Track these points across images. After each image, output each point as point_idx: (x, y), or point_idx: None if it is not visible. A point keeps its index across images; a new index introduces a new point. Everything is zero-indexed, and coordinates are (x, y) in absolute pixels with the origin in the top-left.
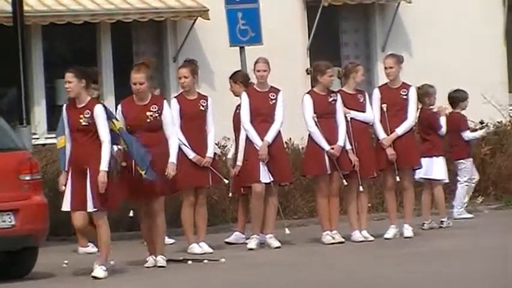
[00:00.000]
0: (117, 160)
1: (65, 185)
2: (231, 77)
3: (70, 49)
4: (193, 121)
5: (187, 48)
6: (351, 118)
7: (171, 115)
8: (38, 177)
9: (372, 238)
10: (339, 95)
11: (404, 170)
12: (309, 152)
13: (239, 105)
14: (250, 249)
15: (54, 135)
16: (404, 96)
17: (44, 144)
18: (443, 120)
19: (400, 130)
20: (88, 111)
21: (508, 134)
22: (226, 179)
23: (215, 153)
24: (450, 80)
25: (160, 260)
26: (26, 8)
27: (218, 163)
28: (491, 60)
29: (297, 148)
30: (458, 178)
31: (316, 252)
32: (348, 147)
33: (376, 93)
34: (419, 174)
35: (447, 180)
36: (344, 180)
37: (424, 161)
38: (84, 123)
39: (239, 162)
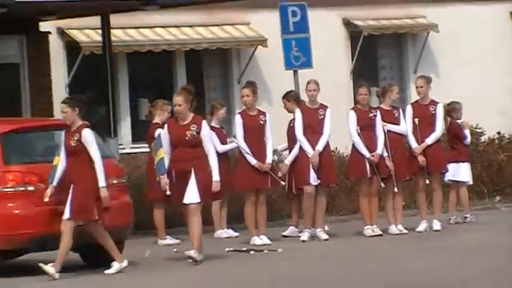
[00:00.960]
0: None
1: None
2: (284, 97)
3: (150, 73)
4: (254, 133)
5: (249, 71)
6: (388, 130)
7: (209, 134)
8: (124, 180)
9: (405, 231)
10: (378, 111)
11: (433, 174)
12: (352, 158)
13: (292, 120)
14: (303, 241)
15: (137, 146)
16: (433, 112)
17: (128, 153)
18: (467, 132)
19: (429, 140)
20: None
21: None
22: (283, 181)
23: (273, 160)
24: (473, 97)
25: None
26: (113, 38)
27: (275, 168)
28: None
29: (342, 156)
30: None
31: (360, 243)
32: (385, 154)
33: (409, 109)
34: (447, 177)
35: (471, 182)
36: (382, 183)
37: (452, 165)
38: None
39: (287, 162)
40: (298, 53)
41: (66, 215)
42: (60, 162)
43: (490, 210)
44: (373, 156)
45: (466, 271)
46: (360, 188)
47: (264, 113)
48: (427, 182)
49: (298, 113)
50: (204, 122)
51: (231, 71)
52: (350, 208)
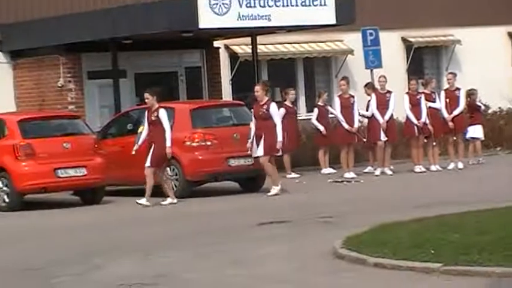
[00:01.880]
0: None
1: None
2: (365, 86)
3: (280, 72)
4: (347, 108)
5: (342, 70)
6: (429, 106)
7: (277, 112)
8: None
9: (440, 169)
10: (422, 95)
11: (458, 133)
12: (406, 124)
13: (369, 100)
14: (376, 175)
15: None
16: (458, 94)
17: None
18: (481, 106)
19: (455, 112)
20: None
21: None
22: (364, 138)
23: (358, 126)
24: (483, 86)
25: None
26: (258, 50)
27: (360, 130)
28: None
29: (400, 122)
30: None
31: (411, 177)
32: (427, 121)
33: (443, 93)
34: (467, 135)
35: (483, 138)
36: (425, 139)
37: (470, 128)
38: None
39: (357, 124)
40: (373, 58)
41: (148, 163)
42: (144, 130)
43: (494, 155)
44: (419, 122)
45: (478, 192)
46: (412, 143)
47: (353, 96)
48: (454, 138)
49: (373, 96)
50: (273, 104)
51: (331, 71)
52: (405, 155)
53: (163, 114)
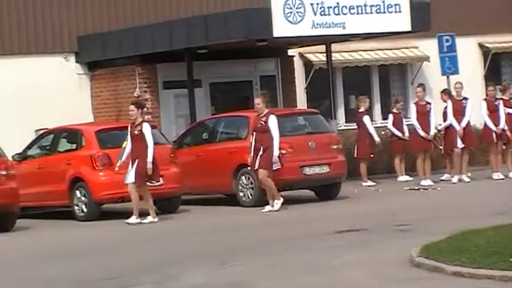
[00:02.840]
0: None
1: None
2: (441, 92)
3: (355, 79)
4: (423, 115)
5: (418, 77)
6: (508, 112)
7: (275, 124)
8: (340, 146)
9: None
10: (500, 101)
11: None
12: (484, 130)
13: (445, 107)
14: (454, 183)
15: (348, 125)
16: None
17: (343, 129)
18: None
19: None
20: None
21: None
22: (440, 145)
23: (434, 133)
24: None
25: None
26: (333, 58)
27: (436, 137)
28: None
29: (477, 129)
30: None
31: (490, 183)
32: (505, 128)
33: None
34: None
35: None
36: (503, 146)
37: None
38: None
39: (434, 131)
40: (450, 65)
41: (131, 179)
42: (128, 145)
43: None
44: (497, 129)
45: None
46: (490, 149)
47: (429, 103)
48: None
49: (449, 103)
50: (272, 116)
51: (406, 77)
52: (483, 162)
53: (147, 128)
